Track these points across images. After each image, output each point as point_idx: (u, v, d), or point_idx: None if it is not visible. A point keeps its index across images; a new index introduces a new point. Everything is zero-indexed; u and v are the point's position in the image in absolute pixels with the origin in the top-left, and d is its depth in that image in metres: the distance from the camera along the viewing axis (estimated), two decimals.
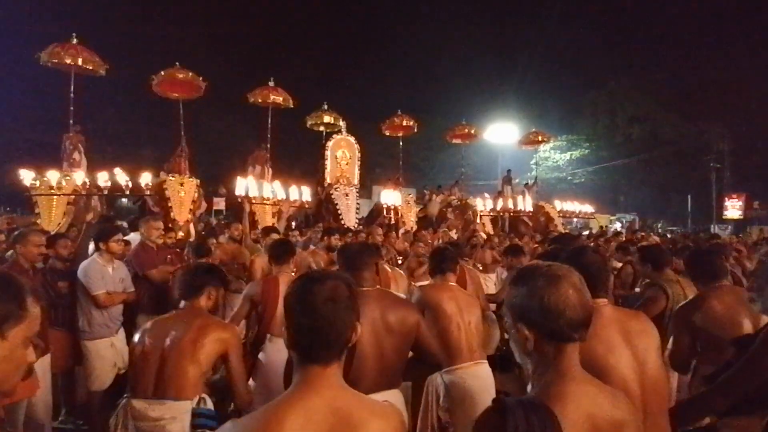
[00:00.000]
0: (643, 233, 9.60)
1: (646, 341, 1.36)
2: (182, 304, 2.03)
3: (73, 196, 6.08)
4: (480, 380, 2.31)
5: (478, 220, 10.92)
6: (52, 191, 5.76)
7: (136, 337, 1.95)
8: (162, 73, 8.58)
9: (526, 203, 11.47)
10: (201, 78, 8.86)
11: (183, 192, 6.96)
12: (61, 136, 7.64)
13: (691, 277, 2.39)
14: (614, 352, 1.30)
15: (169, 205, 6.81)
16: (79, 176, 5.87)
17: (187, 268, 2.19)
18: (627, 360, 1.30)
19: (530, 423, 0.84)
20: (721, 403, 1.59)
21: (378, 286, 2.07)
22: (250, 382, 2.53)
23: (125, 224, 6.53)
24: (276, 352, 2.47)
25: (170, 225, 6.41)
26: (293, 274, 2.89)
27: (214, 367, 1.99)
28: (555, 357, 0.97)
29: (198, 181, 7.26)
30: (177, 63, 8.72)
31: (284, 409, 0.91)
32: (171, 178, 7.19)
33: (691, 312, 2.10)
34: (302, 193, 8.62)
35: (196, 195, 7.17)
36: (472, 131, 14.01)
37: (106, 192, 5.84)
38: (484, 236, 8.12)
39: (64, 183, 5.80)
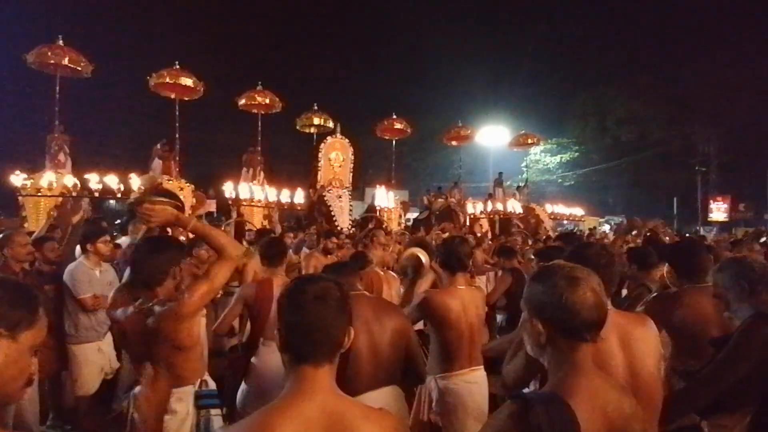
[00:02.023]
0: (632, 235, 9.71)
1: (644, 348, 1.37)
2: (144, 294, 1.76)
3: (60, 198, 5.98)
4: (474, 386, 2.31)
5: (469, 222, 11.01)
6: (41, 193, 5.67)
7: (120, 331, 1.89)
8: (165, 73, 8.50)
9: (515, 205, 11.59)
10: (202, 82, 8.82)
11: (182, 196, 6.92)
12: (46, 136, 7.52)
13: (676, 271, 2.34)
14: (606, 358, 1.30)
15: None
16: (69, 178, 5.78)
17: (140, 250, 1.84)
18: (620, 366, 1.31)
19: (551, 417, 0.88)
20: (700, 401, 1.62)
21: (365, 292, 2.08)
22: (243, 385, 2.51)
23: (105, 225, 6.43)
24: (269, 354, 2.45)
25: (168, 228, 6.32)
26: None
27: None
28: (569, 353, 1.01)
29: (193, 186, 7.23)
30: (176, 63, 8.65)
31: (277, 413, 0.91)
32: (168, 181, 7.14)
33: (664, 308, 2.08)
34: (294, 195, 8.60)
35: (194, 201, 7.14)
36: (468, 133, 14.11)
37: (96, 194, 5.76)
38: (478, 236, 8.16)
39: (54, 185, 5.71)
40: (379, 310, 1.85)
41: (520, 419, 0.89)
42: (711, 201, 24.55)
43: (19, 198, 5.89)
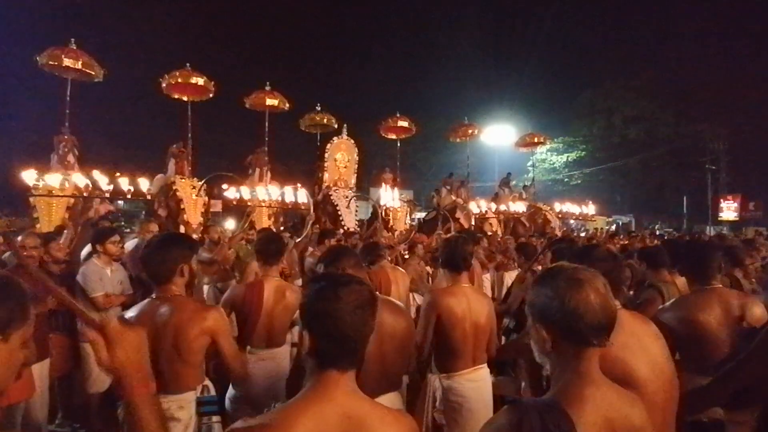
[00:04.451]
0: (637, 234, 9.59)
1: (658, 345, 1.37)
2: (155, 290, 1.78)
3: (72, 200, 6.04)
4: (477, 384, 2.31)
5: (474, 222, 10.97)
6: (53, 193, 5.71)
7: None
8: (177, 74, 8.60)
9: (518, 205, 11.52)
10: (213, 82, 8.91)
11: (195, 195, 7.04)
12: (53, 137, 7.54)
13: (683, 272, 2.26)
14: (639, 358, 1.28)
15: (182, 207, 6.85)
16: (81, 179, 5.84)
17: (150, 246, 1.81)
18: (649, 367, 1.29)
19: (545, 424, 0.85)
20: (723, 394, 1.58)
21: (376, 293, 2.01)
22: (231, 390, 2.41)
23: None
24: (257, 362, 2.34)
25: (181, 225, 6.42)
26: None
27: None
28: (574, 360, 0.97)
29: (205, 185, 7.34)
30: (187, 64, 8.75)
31: (297, 412, 0.91)
32: (181, 180, 7.27)
33: (671, 315, 2.00)
34: (297, 195, 8.61)
35: (207, 199, 7.25)
36: (474, 131, 14.04)
37: (107, 195, 5.83)
38: (489, 234, 8.13)
39: (66, 185, 5.77)
40: (389, 313, 1.81)
41: (514, 425, 0.88)
42: (721, 200, 24.19)
43: (31, 199, 5.92)
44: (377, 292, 2.13)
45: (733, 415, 1.64)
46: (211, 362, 2.72)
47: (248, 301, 2.41)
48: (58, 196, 5.76)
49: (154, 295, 1.79)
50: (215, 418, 1.80)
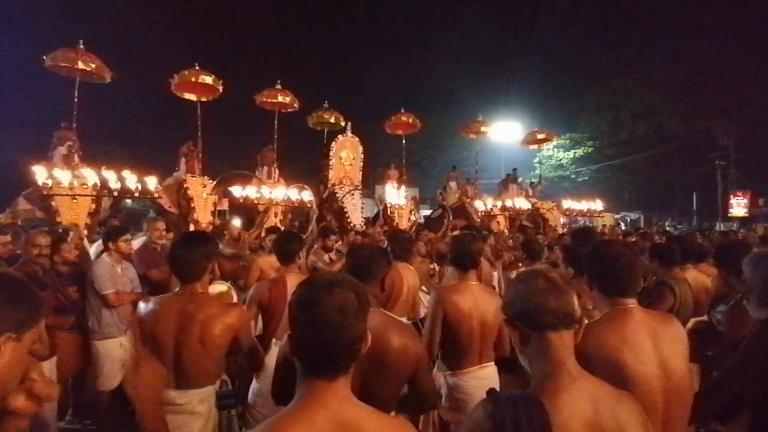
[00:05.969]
0: (646, 232, 9.46)
1: (675, 347, 1.35)
2: (179, 287, 1.82)
3: (92, 201, 6.04)
4: (484, 382, 2.27)
5: (480, 219, 10.92)
6: (75, 192, 5.74)
7: (145, 326, 1.78)
8: (186, 73, 8.64)
9: (522, 202, 11.44)
10: (221, 81, 8.94)
11: (205, 193, 7.06)
12: (53, 133, 7.42)
13: (726, 269, 2.31)
14: (641, 358, 1.29)
15: (192, 205, 6.88)
16: (92, 176, 5.86)
17: (179, 246, 1.84)
18: (653, 367, 1.29)
19: (517, 415, 0.88)
20: (712, 405, 1.57)
21: (381, 309, 1.71)
22: (254, 383, 2.47)
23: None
24: None
25: (191, 224, 6.43)
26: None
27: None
28: (542, 348, 1.00)
29: (214, 183, 7.37)
30: (196, 64, 8.80)
31: (288, 424, 0.87)
32: (193, 178, 7.31)
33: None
34: (303, 193, 8.62)
35: (216, 198, 7.29)
36: (486, 127, 14.01)
37: (116, 193, 5.85)
38: (495, 232, 8.08)
39: (76, 183, 5.79)
40: (384, 339, 1.54)
41: (487, 416, 0.90)
42: (731, 196, 23.85)
43: (53, 203, 5.89)
44: (382, 310, 1.90)
45: (725, 427, 1.64)
46: (229, 357, 2.79)
47: (273, 297, 2.49)
48: (83, 195, 5.76)
49: (177, 290, 1.83)
50: (233, 411, 1.87)
